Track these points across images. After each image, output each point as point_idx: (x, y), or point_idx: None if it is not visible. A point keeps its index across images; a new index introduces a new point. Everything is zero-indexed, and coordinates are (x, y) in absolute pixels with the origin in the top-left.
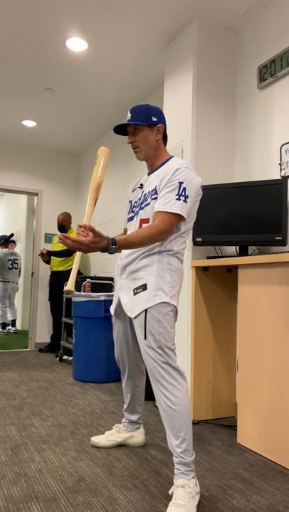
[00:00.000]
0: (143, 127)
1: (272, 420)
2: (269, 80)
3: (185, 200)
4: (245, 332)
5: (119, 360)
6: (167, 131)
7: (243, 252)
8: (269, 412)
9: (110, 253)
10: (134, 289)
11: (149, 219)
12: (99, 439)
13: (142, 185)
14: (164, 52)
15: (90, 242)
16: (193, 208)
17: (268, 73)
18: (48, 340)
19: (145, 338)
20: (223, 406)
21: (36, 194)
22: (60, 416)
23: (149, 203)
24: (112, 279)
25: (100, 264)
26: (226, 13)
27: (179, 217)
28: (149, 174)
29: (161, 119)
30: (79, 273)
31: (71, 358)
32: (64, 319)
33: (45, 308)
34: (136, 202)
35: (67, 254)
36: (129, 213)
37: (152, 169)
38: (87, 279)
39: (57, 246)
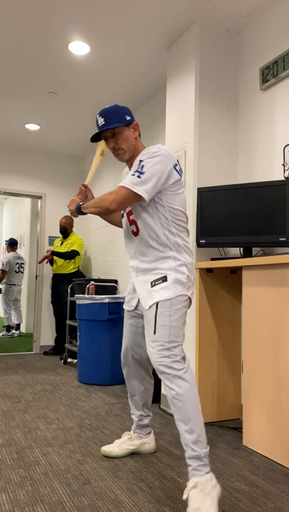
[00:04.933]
0: (122, 128)
1: (278, 422)
2: (271, 81)
3: (139, 176)
4: (250, 334)
5: (128, 358)
6: (170, 133)
7: (247, 253)
8: (275, 413)
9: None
10: (152, 282)
11: (130, 211)
12: (111, 449)
13: None
14: (166, 54)
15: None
16: (177, 195)
17: (270, 74)
18: (53, 343)
19: (154, 333)
20: (228, 408)
21: (40, 197)
22: (65, 419)
23: None
24: (116, 281)
25: (104, 266)
26: (228, 15)
27: (130, 192)
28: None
29: (133, 117)
30: (82, 275)
31: (76, 361)
32: (68, 322)
33: (49, 311)
34: None
35: (69, 256)
36: None
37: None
38: (91, 282)
39: (59, 249)
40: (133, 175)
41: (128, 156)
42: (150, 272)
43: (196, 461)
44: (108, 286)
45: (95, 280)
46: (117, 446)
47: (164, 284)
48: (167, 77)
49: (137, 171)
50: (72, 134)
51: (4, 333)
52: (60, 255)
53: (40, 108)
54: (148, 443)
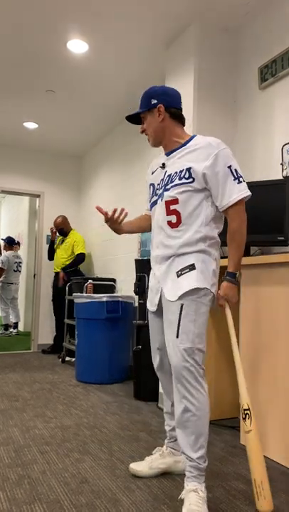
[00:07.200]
0: (145, 114)
1: (275, 421)
2: (270, 80)
3: (240, 181)
4: (248, 332)
5: (162, 360)
6: None
7: (245, 252)
8: (272, 412)
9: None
10: (178, 272)
11: (176, 199)
12: (140, 468)
13: (164, 164)
14: (165, 53)
15: (225, 295)
16: None
17: (268, 73)
18: (51, 342)
19: (177, 337)
20: (226, 407)
21: (38, 196)
22: (63, 417)
23: (176, 184)
24: (114, 280)
25: (102, 265)
26: (226, 15)
27: (244, 199)
28: (168, 154)
29: (163, 98)
30: (81, 274)
31: (74, 360)
32: (66, 320)
33: (47, 309)
34: (158, 184)
35: (79, 262)
36: (152, 197)
37: (171, 149)
38: (89, 281)
39: (59, 248)
40: (239, 182)
41: (153, 142)
42: (177, 258)
43: (197, 470)
44: (106, 285)
45: (93, 279)
46: (147, 465)
47: (194, 272)
48: (166, 76)
49: (238, 177)
50: (71, 133)
51: (2, 331)
52: (71, 266)
53: (39, 106)
54: (182, 462)
